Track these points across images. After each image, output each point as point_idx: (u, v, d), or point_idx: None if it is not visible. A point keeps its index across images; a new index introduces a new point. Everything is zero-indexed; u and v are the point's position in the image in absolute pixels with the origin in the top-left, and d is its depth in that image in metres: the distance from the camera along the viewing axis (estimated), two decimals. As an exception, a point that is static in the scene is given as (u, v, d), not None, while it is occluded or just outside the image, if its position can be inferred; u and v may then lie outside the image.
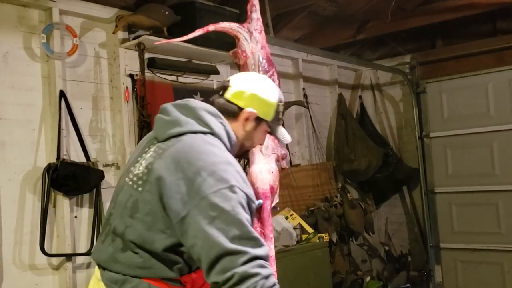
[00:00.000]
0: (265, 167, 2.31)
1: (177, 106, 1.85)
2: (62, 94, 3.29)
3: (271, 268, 1.60)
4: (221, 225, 1.55)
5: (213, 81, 4.19)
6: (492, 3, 4.58)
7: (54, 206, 3.26)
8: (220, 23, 2.36)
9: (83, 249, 3.35)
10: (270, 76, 2.35)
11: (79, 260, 3.34)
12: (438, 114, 5.76)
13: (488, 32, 5.54)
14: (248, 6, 2.45)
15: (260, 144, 2.04)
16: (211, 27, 2.34)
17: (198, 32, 2.36)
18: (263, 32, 2.42)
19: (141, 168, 1.75)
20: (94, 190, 3.41)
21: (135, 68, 3.66)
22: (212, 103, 1.91)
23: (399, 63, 5.99)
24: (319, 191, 5.22)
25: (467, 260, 5.57)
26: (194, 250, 1.60)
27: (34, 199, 3.19)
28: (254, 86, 1.92)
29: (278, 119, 1.98)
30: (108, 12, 3.58)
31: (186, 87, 4.00)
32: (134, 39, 3.63)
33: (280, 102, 1.97)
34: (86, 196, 3.42)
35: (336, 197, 5.30)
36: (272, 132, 2.01)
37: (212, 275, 1.55)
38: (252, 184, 2.25)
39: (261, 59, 2.36)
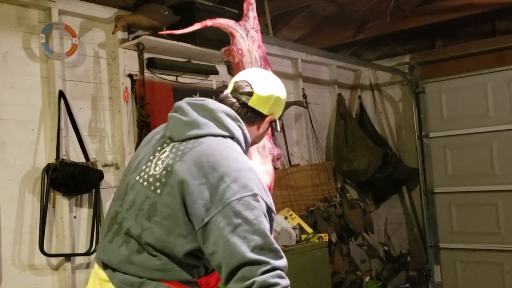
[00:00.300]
0: (262, 168, 2.30)
1: (194, 106, 1.80)
2: (61, 94, 3.29)
3: (288, 280, 1.59)
4: (244, 234, 1.54)
5: (213, 81, 4.19)
6: (491, 3, 4.59)
7: (54, 206, 3.26)
8: (218, 18, 2.36)
9: (82, 249, 3.35)
10: None
11: (79, 260, 3.34)
12: (437, 114, 5.77)
13: (487, 32, 5.55)
14: (245, 5, 2.44)
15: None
16: (209, 22, 2.34)
17: (197, 26, 2.35)
18: (259, 31, 2.42)
19: (157, 169, 1.71)
20: (94, 190, 3.41)
21: (135, 68, 3.66)
22: (231, 106, 1.86)
23: (399, 63, 5.99)
24: (318, 191, 5.22)
25: (467, 260, 5.58)
26: (214, 257, 1.58)
27: (34, 199, 3.19)
28: (276, 90, 1.92)
29: None
30: (107, 12, 3.58)
31: (186, 87, 4.00)
32: (133, 39, 3.63)
33: None
34: (85, 196, 3.42)
35: (336, 197, 5.31)
36: (275, 126, 2.04)
37: (231, 283, 1.54)
38: None
39: (257, 58, 2.36)
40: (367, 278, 4.99)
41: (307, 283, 3.99)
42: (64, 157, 3.27)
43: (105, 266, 1.76)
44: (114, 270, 1.72)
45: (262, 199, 1.63)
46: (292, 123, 5.22)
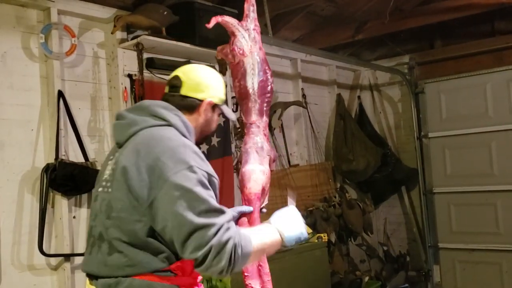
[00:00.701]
0: (259, 168, 2.30)
1: (131, 110, 1.96)
2: (60, 94, 3.29)
3: (234, 225, 1.75)
4: (187, 203, 1.66)
5: (212, 81, 4.17)
6: (490, 3, 4.59)
7: (53, 206, 3.26)
8: (225, 16, 2.36)
9: (81, 249, 3.35)
10: (266, 78, 2.36)
11: (78, 260, 3.33)
12: (436, 114, 5.77)
13: (486, 32, 5.55)
14: (246, 5, 2.43)
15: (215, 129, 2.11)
16: (219, 19, 2.34)
17: (213, 22, 2.34)
18: (259, 33, 2.42)
19: (107, 172, 1.87)
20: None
21: (134, 68, 3.66)
22: (167, 101, 1.98)
23: (398, 63, 5.99)
24: (317, 191, 5.21)
25: (466, 260, 5.58)
26: (165, 232, 1.69)
27: (33, 199, 3.19)
28: (206, 77, 2.02)
29: (225, 101, 2.11)
30: (106, 12, 3.58)
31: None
32: (132, 39, 3.62)
33: (225, 86, 2.10)
34: (84, 196, 3.42)
35: (335, 197, 5.31)
36: (224, 114, 2.09)
37: (187, 252, 1.66)
38: (244, 184, 2.26)
39: (259, 60, 2.36)
40: (366, 278, 4.99)
41: (306, 283, 3.99)
42: (63, 157, 3.27)
43: (90, 277, 1.85)
44: (97, 278, 1.81)
45: (200, 169, 1.74)
46: (292, 123, 5.22)
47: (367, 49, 6.17)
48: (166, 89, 2.04)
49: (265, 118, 2.37)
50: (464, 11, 4.72)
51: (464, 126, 5.54)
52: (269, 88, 2.36)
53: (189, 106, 1.96)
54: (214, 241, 1.63)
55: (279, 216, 1.95)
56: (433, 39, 5.92)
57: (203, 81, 2.00)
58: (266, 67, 2.38)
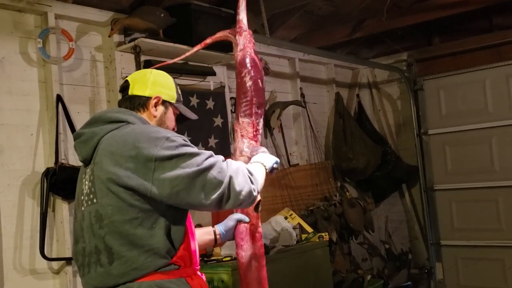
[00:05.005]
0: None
1: (85, 125, 1.96)
2: (59, 98, 3.29)
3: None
4: (185, 163, 1.74)
5: (210, 83, 4.18)
6: (487, -1, 4.60)
7: (53, 210, 3.27)
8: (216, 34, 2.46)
9: (83, 253, 3.35)
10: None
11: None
12: (436, 111, 5.77)
13: (484, 28, 5.54)
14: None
15: (173, 129, 2.09)
16: (208, 40, 2.45)
17: (197, 48, 2.49)
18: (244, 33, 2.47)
19: (86, 187, 1.86)
20: (93, 194, 3.41)
21: (132, 71, 3.64)
22: (118, 107, 2.04)
23: (396, 60, 5.99)
24: (318, 191, 5.21)
25: (468, 256, 5.57)
26: (182, 198, 1.74)
27: (33, 203, 3.20)
28: (152, 76, 2.04)
29: (180, 100, 2.13)
30: (103, 16, 3.59)
31: (183, 89, 3.97)
32: (130, 42, 3.63)
33: (177, 85, 2.13)
34: (85, 199, 3.42)
35: (335, 196, 5.30)
36: (181, 112, 2.11)
37: (211, 195, 1.75)
38: None
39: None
40: (369, 277, 4.98)
41: (308, 283, 3.99)
42: (63, 161, 3.27)
43: None
44: None
45: (176, 136, 1.80)
46: (291, 122, 5.22)
47: (365, 47, 6.17)
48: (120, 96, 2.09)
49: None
50: (462, 7, 4.71)
51: (464, 122, 5.54)
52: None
53: (139, 104, 1.99)
54: (228, 172, 1.80)
55: (257, 156, 2.18)
56: (431, 36, 5.91)
57: (148, 79, 2.03)
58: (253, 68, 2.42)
